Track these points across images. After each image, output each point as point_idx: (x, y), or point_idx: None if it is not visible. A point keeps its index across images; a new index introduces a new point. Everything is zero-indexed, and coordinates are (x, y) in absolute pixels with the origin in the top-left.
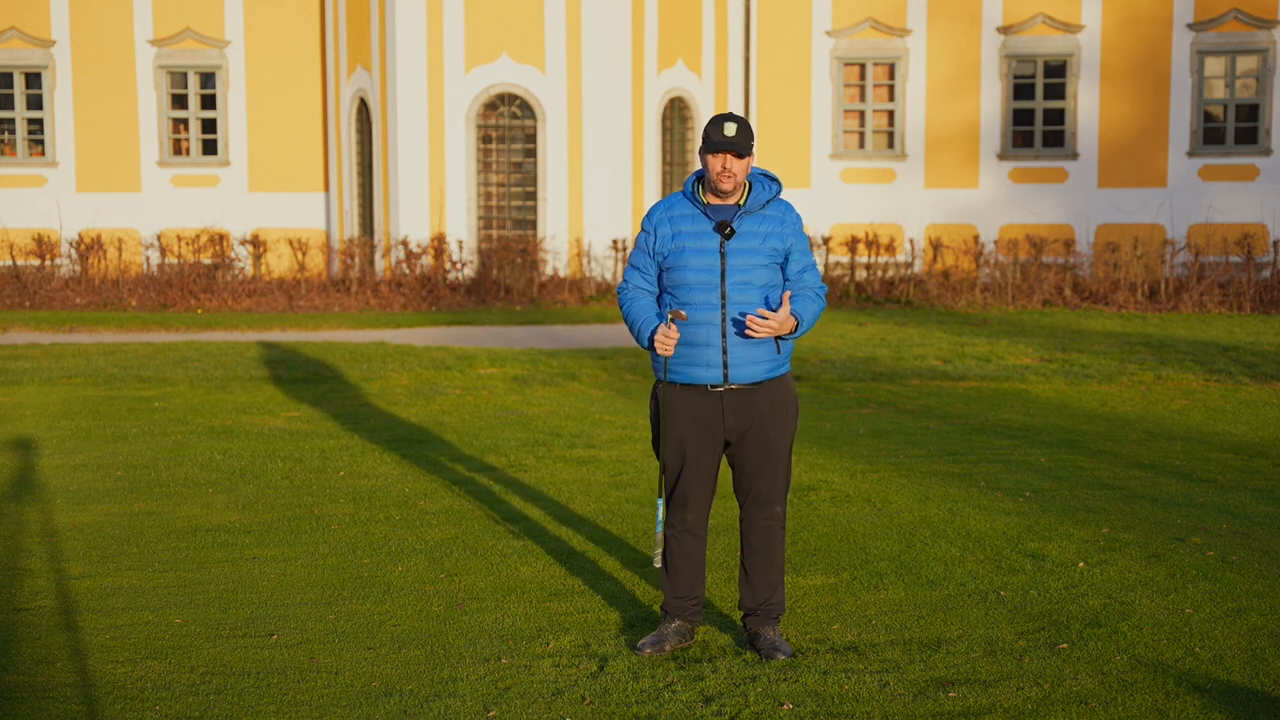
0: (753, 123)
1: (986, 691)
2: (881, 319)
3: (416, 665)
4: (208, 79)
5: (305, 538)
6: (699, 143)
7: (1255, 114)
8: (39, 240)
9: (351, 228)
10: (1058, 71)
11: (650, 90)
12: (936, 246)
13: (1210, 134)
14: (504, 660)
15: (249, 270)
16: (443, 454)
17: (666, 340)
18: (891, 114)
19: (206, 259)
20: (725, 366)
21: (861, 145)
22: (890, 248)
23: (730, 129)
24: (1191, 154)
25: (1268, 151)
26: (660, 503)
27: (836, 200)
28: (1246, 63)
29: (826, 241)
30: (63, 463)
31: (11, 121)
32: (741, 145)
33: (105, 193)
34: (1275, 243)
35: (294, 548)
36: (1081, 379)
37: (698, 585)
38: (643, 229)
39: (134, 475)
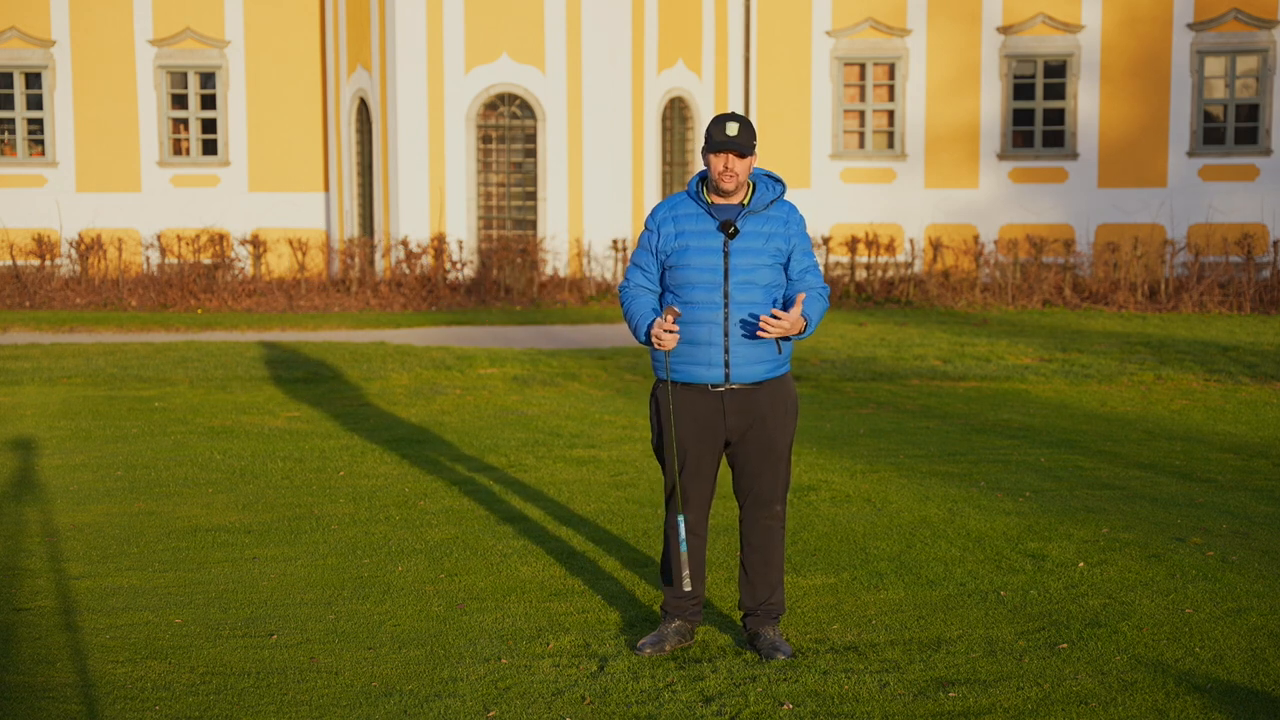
0: (753, 122)
1: (986, 691)
2: (881, 319)
3: (416, 665)
4: (208, 79)
5: (305, 538)
6: (699, 143)
7: (1255, 114)
8: (39, 240)
9: (351, 228)
10: (1058, 71)
11: (650, 90)
12: (936, 246)
13: (1210, 134)
14: (504, 660)
15: (249, 270)
16: (443, 454)
17: (663, 335)
18: (891, 114)
19: (206, 259)
20: (727, 366)
21: (861, 145)
22: (890, 248)
23: (732, 128)
24: (1191, 154)
25: (1268, 151)
26: (681, 520)
27: (836, 200)
28: (1246, 63)
29: (826, 241)
30: (63, 463)
31: (11, 121)
32: (744, 145)
33: (105, 193)
34: (1275, 243)
35: (294, 548)
36: (1081, 379)
37: (698, 585)
38: (646, 228)
39: (134, 475)
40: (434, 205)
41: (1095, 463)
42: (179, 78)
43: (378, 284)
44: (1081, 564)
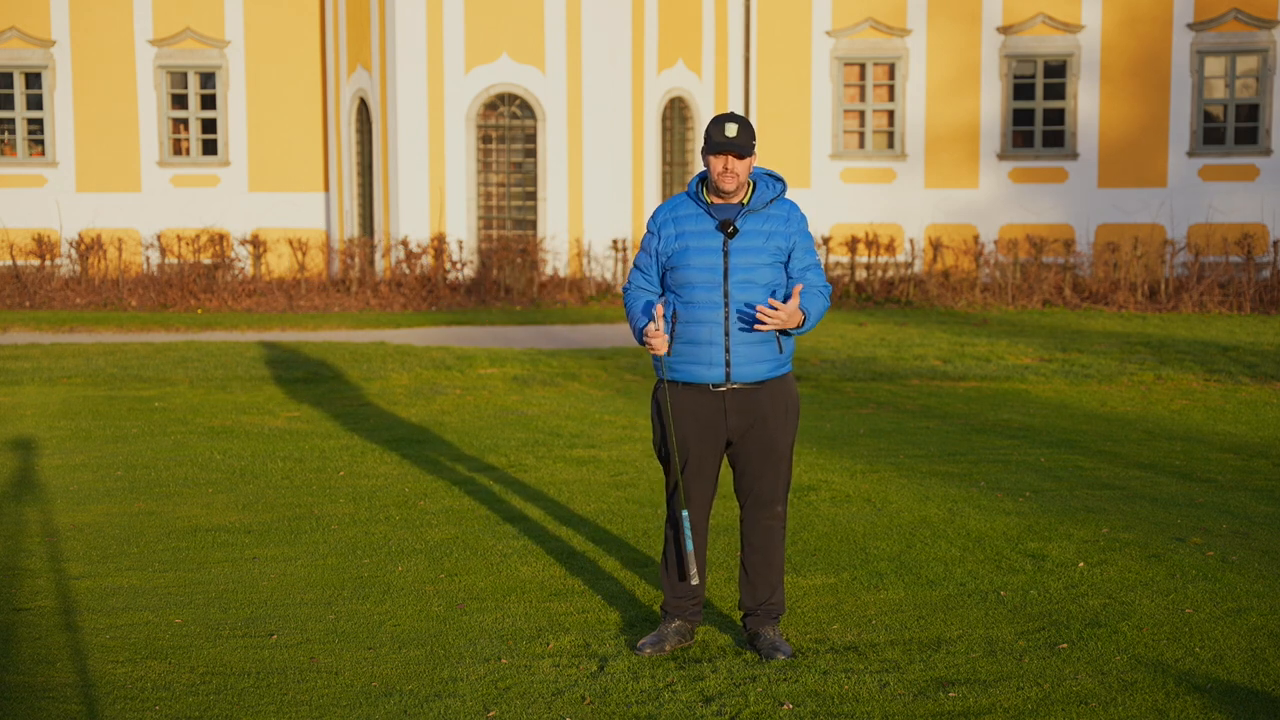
0: (753, 122)
1: (986, 691)
2: (881, 319)
3: (416, 665)
4: (208, 79)
5: (305, 538)
6: (699, 143)
7: (1255, 114)
8: (39, 240)
9: (351, 228)
10: (1058, 71)
11: (650, 90)
12: (936, 246)
13: (1210, 134)
14: (504, 660)
15: (249, 270)
16: (443, 454)
17: (652, 339)
18: (891, 114)
19: (206, 259)
20: (728, 365)
21: (861, 145)
22: (890, 248)
23: (731, 130)
24: (1191, 154)
25: (1268, 151)
26: (685, 515)
27: (836, 200)
28: (1246, 63)
29: (826, 241)
30: (63, 463)
31: (11, 121)
32: (743, 146)
33: (105, 193)
34: (1275, 243)
35: (294, 548)
36: (1081, 379)
37: (698, 585)
38: (647, 230)
39: (134, 475)
40: (434, 205)
41: (1095, 463)
42: (179, 78)
43: (378, 284)
44: (1081, 564)
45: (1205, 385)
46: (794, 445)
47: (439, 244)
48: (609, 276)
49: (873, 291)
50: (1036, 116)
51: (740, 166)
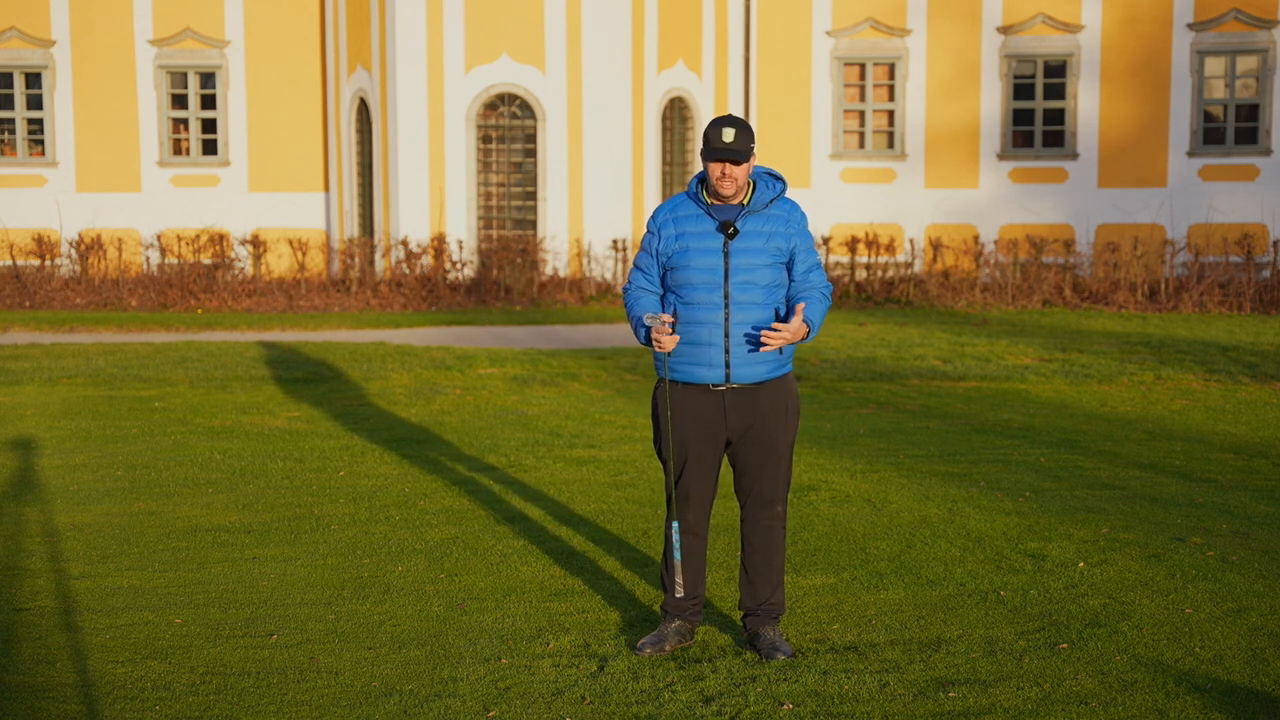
0: (753, 123)
1: (986, 691)
2: (881, 319)
3: (416, 665)
4: (208, 79)
5: (305, 538)
6: (699, 143)
7: (1255, 114)
8: (39, 240)
9: (351, 228)
10: (1058, 71)
11: (650, 90)
12: (936, 246)
13: (1210, 134)
14: (504, 660)
15: (249, 270)
16: (443, 454)
17: (662, 337)
18: (891, 114)
19: (206, 259)
20: (727, 366)
21: (861, 145)
22: (890, 248)
23: (729, 135)
24: (1191, 154)
25: (1268, 151)
26: (675, 526)
27: (836, 200)
28: (1246, 63)
29: (826, 241)
30: (63, 463)
31: (11, 121)
32: (740, 151)
33: (105, 193)
34: (1275, 243)
35: (294, 548)
36: (1081, 379)
37: (698, 585)
38: (647, 230)
39: (134, 475)
40: (434, 205)
41: (1095, 463)
42: (179, 78)
43: (378, 284)
44: (1081, 564)
45: (1205, 385)
46: (794, 445)
47: (439, 244)
48: (609, 276)
49: (873, 291)
50: (1036, 116)
51: (739, 171)
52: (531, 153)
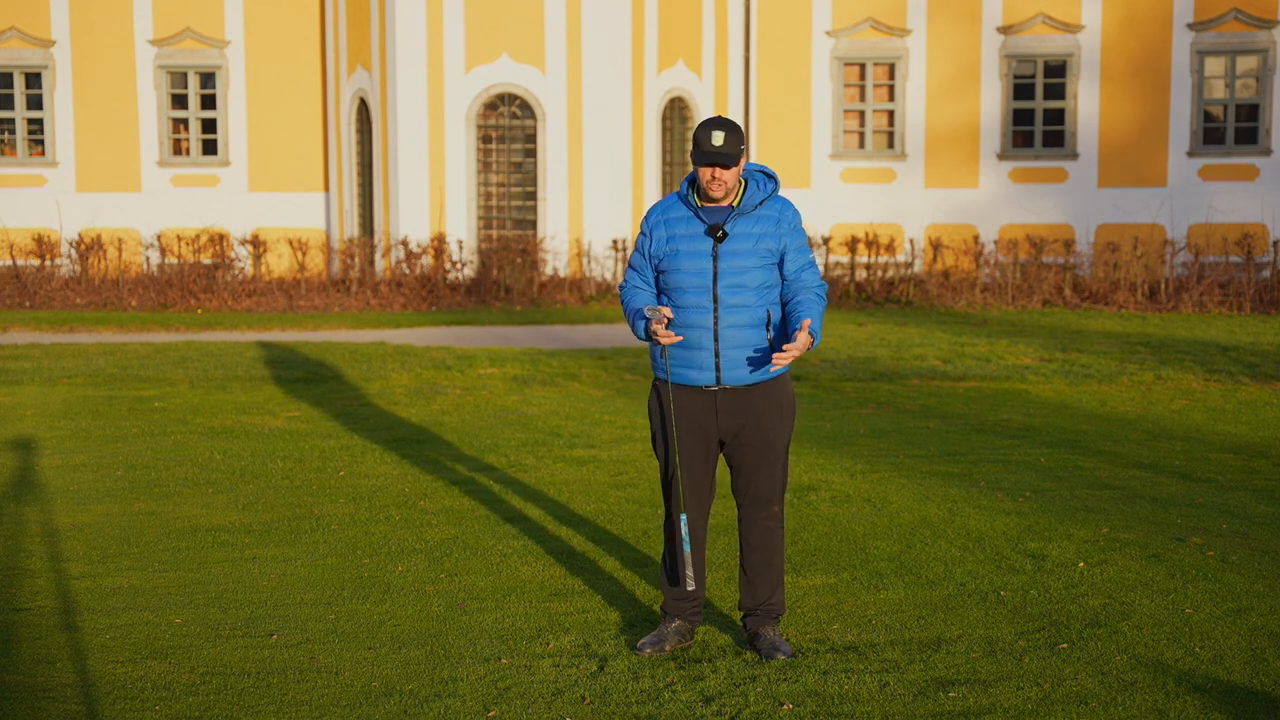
0: (753, 123)
1: (986, 691)
2: (881, 319)
3: (416, 665)
4: (208, 79)
5: (305, 538)
6: None
7: (1255, 114)
8: (39, 240)
9: (351, 228)
10: (1058, 71)
11: (650, 90)
12: (936, 246)
13: (1210, 134)
14: (504, 660)
15: (249, 270)
16: (443, 454)
17: (660, 333)
18: (891, 114)
19: (206, 259)
20: (718, 369)
21: (861, 145)
22: (890, 248)
23: (719, 138)
24: (1191, 154)
25: (1268, 151)
26: (684, 518)
27: (836, 200)
28: (1246, 63)
29: (826, 241)
30: (63, 463)
31: (11, 121)
32: (730, 155)
33: (105, 193)
34: (1275, 243)
35: (294, 548)
36: (1081, 379)
37: (698, 585)
38: (640, 231)
39: (134, 475)
40: (434, 205)
41: (1095, 463)
42: (179, 78)
43: (378, 284)
44: (1081, 564)
45: (1205, 385)
46: (793, 445)
47: (439, 244)
48: (609, 276)
49: (873, 291)
50: (1036, 116)
51: (728, 175)
52: (531, 153)
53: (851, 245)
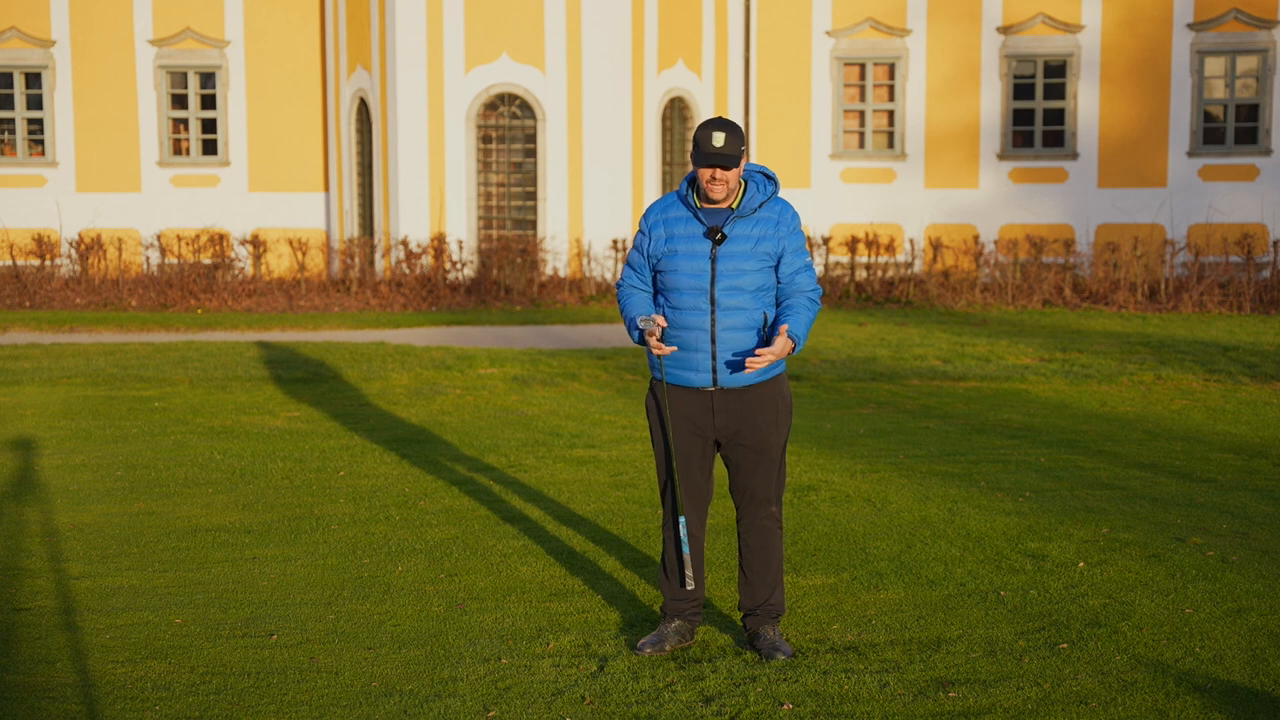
0: (752, 123)
1: (986, 691)
2: (881, 319)
3: (416, 665)
4: (208, 79)
5: (305, 538)
6: None
7: (1255, 114)
8: (39, 240)
9: (351, 228)
10: (1058, 71)
11: (650, 90)
12: (936, 246)
13: (1210, 134)
14: (504, 660)
15: (249, 270)
16: (443, 454)
17: (652, 341)
18: (891, 114)
19: (206, 259)
20: (714, 371)
21: (861, 145)
22: (890, 248)
23: (719, 139)
24: (1191, 154)
25: (1268, 151)
26: (683, 520)
27: (836, 200)
28: (1246, 63)
29: (826, 241)
30: (63, 463)
31: (11, 121)
32: (731, 156)
33: (105, 193)
34: (1275, 243)
35: (294, 548)
36: (1081, 379)
37: (697, 586)
38: (639, 230)
39: (134, 475)
40: (434, 205)
41: (1095, 463)
42: (179, 78)
43: (378, 284)
44: (1081, 564)
45: (1205, 385)
46: (791, 445)
47: (439, 244)
48: (609, 276)
49: (873, 291)
50: (1036, 116)
51: (729, 176)
52: (531, 153)
53: (851, 245)
